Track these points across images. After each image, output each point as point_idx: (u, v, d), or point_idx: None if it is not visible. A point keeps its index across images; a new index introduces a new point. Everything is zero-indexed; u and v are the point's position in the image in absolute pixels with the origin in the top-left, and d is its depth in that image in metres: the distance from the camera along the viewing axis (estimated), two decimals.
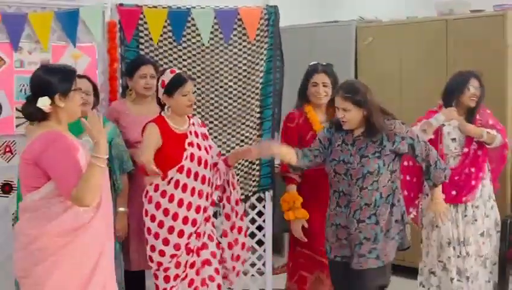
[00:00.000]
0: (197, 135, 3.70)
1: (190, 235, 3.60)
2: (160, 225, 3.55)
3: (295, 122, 4.10)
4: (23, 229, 2.84)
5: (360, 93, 3.40)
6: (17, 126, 4.26)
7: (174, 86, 3.58)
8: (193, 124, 3.73)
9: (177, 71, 3.70)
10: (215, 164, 3.74)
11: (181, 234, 3.56)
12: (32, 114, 2.83)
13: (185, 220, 3.57)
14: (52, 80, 2.82)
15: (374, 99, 3.45)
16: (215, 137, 4.57)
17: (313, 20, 6.13)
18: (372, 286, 3.46)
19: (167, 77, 3.61)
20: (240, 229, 3.84)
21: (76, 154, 2.79)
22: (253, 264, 4.84)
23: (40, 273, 2.78)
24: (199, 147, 3.68)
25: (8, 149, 4.31)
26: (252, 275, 4.83)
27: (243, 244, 3.83)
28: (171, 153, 3.61)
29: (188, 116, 3.74)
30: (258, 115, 4.70)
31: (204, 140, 3.73)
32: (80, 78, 3.85)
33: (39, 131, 2.83)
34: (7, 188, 4.30)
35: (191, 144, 3.64)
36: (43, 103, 2.77)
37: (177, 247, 3.56)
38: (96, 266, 2.83)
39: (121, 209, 3.95)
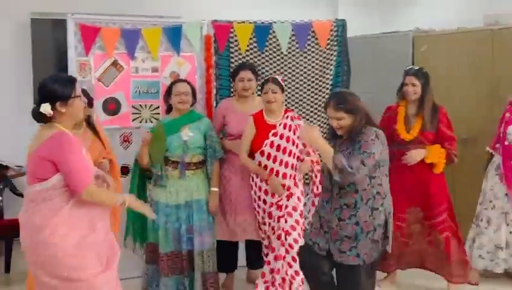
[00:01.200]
0: (285, 127, 4.17)
1: (271, 205, 4.17)
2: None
3: (388, 114, 4.53)
4: (29, 218, 2.89)
5: (349, 102, 3.36)
6: (132, 120, 4.71)
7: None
8: (287, 117, 4.21)
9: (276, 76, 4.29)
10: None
11: (265, 202, 4.20)
12: (38, 116, 2.92)
13: (266, 193, 4.18)
14: (54, 89, 2.90)
15: (362, 106, 3.39)
16: None
17: (375, 31, 6.21)
18: (360, 282, 3.35)
19: None
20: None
21: (82, 153, 2.92)
22: None
23: (45, 258, 2.84)
24: (282, 137, 4.15)
25: (125, 139, 4.73)
26: None
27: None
28: (258, 140, 4.20)
29: (286, 111, 4.24)
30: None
31: (294, 133, 4.16)
32: (181, 82, 4.28)
33: (49, 131, 2.89)
34: (125, 170, 4.65)
35: (274, 134, 4.17)
36: (45, 108, 2.88)
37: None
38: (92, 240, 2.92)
39: (214, 189, 4.23)
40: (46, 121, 2.92)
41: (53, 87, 2.91)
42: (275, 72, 4.95)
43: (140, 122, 4.79)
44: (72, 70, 4.58)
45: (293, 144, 4.18)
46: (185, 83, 4.31)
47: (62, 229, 2.82)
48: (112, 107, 4.72)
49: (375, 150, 3.28)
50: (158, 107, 4.80)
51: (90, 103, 4.09)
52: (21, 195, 4.84)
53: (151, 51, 4.73)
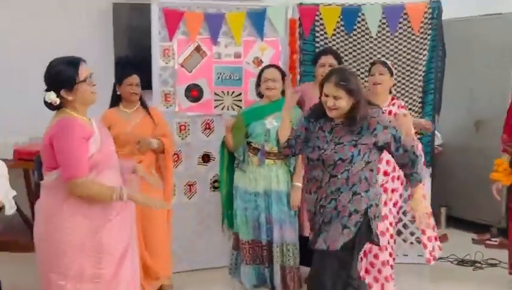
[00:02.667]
0: (390, 114, 3.93)
1: None
2: None
3: None
4: (42, 205, 2.84)
5: (352, 82, 3.07)
6: (215, 107, 4.61)
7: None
8: (393, 104, 4.00)
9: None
10: None
11: None
12: (47, 105, 2.79)
13: None
14: (56, 77, 2.73)
15: (362, 90, 3.15)
16: None
17: (470, 13, 5.79)
18: (326, 269, 3.13)
19: None
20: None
21: (84, 144, 2.71)
22: (412, 233, 4.96)
23: (56, 249, 2.75)
24: None
25: (207, 126, 4.65)
26: (411, 242, 4.94)
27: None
28: None
29: (392, 98, 4.04)
30: (419, 100, 4.70)
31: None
32: (269, 67, 4.14)
33: (56, 117, 2.78)
34: (206, 158, 4.66)
35: None
36: (49, 97, 2.74)
37: None
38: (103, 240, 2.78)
39: (297, 184, 4.06)
40: (58, 108, 2.78)
41: (56, 75, 2.74)
42: (363, 56, 4.74)
43: (222, 109, 4.68)
44: (156, 55, 4.55)
45: None
46: (273, 68, 4.17)
47: (72, 219, 2.73)
48: (194, 93, 4.64)
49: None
50: (240, 94, 4.69)
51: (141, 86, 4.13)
52: None
53: (234, 35, 4.62)
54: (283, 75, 4.15)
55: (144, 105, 4.13)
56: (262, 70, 4.19)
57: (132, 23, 5.72)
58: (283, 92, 4.06)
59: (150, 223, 3.99)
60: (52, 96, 2.72)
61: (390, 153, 3.13)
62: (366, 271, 4.04)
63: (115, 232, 2.80)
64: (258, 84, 4.21)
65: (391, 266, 4.02)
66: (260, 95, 4.23)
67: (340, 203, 3.10)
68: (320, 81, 3.19)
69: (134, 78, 4.06)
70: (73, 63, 2.77)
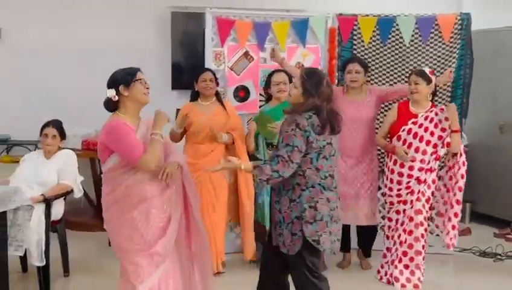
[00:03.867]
0: (426, 119, 3.96)
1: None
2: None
3: None
4: (103, 191, 3.00)
5: (315, 78, 2.92)
6: (259, 107, 4.57)
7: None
8: (431, 111, 3.98)
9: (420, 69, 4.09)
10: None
11: (399, 183, 4.06)
12: (106, 103, 2.92)
13: (401, 175, 4.03)
14: (117, 76, 2.91)
15: (326, 94, 2.92)
16: None
17: (499, 24, 5.64)
18: (297, 271, 2.99)
19: None
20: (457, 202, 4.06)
21: (132, 134, 2.83)
22: (437, 226, 4.70)
23: (112, 228, 2.93)
24: (420, 126, 3.96)
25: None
26: (437, 234, 4.78)
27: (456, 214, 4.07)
28: (397, 126, 4.05)
29: (432, 105, 4.03)
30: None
31: (435, 127, 3.94)
32: (278, 72, 4.18)
33: (109, 119, 2.91)
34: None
35: (414, 123, 3.98)
36: (110, 93, 2.89)
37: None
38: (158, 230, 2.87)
39: None
40: (114, 108, 2.91)
41: (117, 75, 2.92)
42: (396, 63, 4.68)
43: None
44: (208, 59, 4.61)
45: (432, 135, 3.99)
46: (282, 73, 4.21)
47: (112, 208, 2.90)
48: (241, 94, 4.69)
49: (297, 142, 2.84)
50: None
51: (217, 82, 4.25)
52: None
53: (279, 42, 4.65)
54: (290, 79, 4.15)
55: (219, 99, 4.23)
56: (271, 75, 4.22)
57: (188, 30, 5.80)
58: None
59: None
60: (112, 92, 2.87)
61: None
62: (399, 260, 4.02)
63: (139, 223, 2.91)
64: (266, 87, 4.25)
65: (423, 257, 4.01)
66: (268, 97, 4.27)
67: (282, 207, 2.96)
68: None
69: (208, 75, 4.19)
70: (132, 69, 2.96)
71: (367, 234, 4.40)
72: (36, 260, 3.77)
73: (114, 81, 2.90)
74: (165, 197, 2.93)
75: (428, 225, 4.19)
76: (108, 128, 2.84)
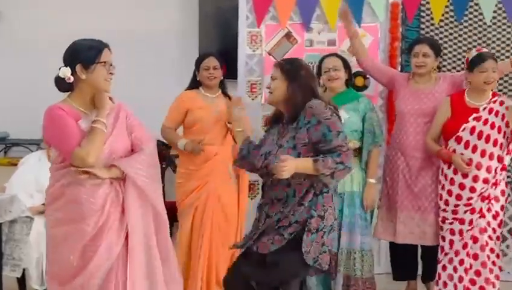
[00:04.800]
0: (491, 112, 3.76)
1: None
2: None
3: None
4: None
5: (293, 64, 3.02)
6: None
7: (474, 63, 3.73)
8: (495, 101, 3.79)
9: (483, 50, 3.83)
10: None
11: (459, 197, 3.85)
12: (58, 83, 2.75)
13: (462, 187, 3.80)
14: (76, 51, 2.73)
15: (308, 79, 2.99)
16: None
17: None
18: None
19: (471, 55, 3.79)
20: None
21: (70, 123, 2.70)
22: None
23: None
24: (485, 123, 3.75)
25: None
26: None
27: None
28: (453, 125, 3.81)
29: (494, 94, 3.83)
30: None
31: (502, 120, 3.75)
32: (329, 56, 4.04)
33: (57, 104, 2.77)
34: None
35: (476, 119, 3.76)
36: (64, 72, 2.71)
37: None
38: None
39: (371, 180, 3.98)
40: (67, 89, 2.76)
41: (76, 50, 2.73)
42: (475, 46, 4.50)
43: None
44: (242, 42, 4.60)
45: (499, 132, 3.78)
46: (334, 56, 4.09)
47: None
48: None
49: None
50: None
51: (223, 70, 4.12)
52: None
53: (328, 21, 4.59)
54: (345, 63, 4.04)
55: (224, 92, 4.14)
56: (321, 60, 4.10)
57: (218, 8, 5.77)
58: (347, 82, 4.03)
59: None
60: (66, 72, 2.69)
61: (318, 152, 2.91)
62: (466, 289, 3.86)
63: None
64: (318, 75, 4.09)
65: (493, 285, 3.82)
66: (325, 87, 4.11)
67: (283, 214, 2.93)
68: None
69: (211, 61, 4.04)
70: (99, 44, 2.78)
71: (435, 255, 4.18)
72: (36, 283, 3.78)
73: (72, 57, 2.73)
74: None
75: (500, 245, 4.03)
76: (44, 116, 2.73)
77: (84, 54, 2.71)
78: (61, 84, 2.73)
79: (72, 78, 2.71)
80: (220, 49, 5.66)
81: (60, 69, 2.71)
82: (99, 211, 2.66)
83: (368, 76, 4.48)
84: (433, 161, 4.09)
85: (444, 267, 3.91)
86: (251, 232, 3.08)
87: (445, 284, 3.90)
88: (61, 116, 2.69)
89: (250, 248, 2.98)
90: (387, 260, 4.58)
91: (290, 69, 2.99)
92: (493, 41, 4.53)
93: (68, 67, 2.70)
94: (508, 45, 4.51)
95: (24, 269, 3.74)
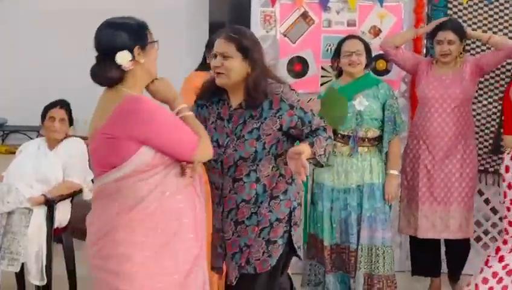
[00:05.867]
0: None
1: None
2: None
3: None
4: (108, 210, 2.59)
5: (249, 39, 2.75)
6: (321, 84, 4.54)
7: None
8: None
9: None
10: None
11: None
12: (105, 73, 2.40)
13: None
14: (130, 30, 2.43)
15: (264, 58, 2.82)
16: None
17: None
18: None
19: None
20: None
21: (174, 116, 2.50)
22: None
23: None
24: None
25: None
26: None
27: None
28: None
29: None
30: None
31: None
32: (351, 38, 4.03)
33: (115, 101, 2.39)
34: None
35: None
36: (123, 57, 2.38)
37: None
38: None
39: (393, 172, 3.96)
40: (114, 82, 2.43)
41: (128, 28, 2.44)
42: (506, 28, 4.49)
43: None
44: (255, 22, 4.59)
45: None
46: (356, 39, 4.07)
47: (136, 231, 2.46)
48: (298, 67, 4.65)
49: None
50: None
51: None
52: None
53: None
54: (367, 47, 4.02)
55: None
56: (341, 42, 4.07)
57: None
58: (367, 66, 4.03)
59: None
60: (127, 57, 2.39)
61: (299, 139, 2.83)
62: None
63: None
64: (335, 59, 4.09)
65: None
66: (339, 71, 4.11)
67: (261, 214, 2.81)
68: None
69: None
70: (140, 21, 2.52)
71: (459, 251, 4.27)
72: (35, 278, 3.76)
73: (127, 39, 2.41)
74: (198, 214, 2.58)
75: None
76: (144, 114, 2.36)
77: (139, 33, 2.45)
78: (112, 75, 2.40)
79: (131, 65, 2.41)
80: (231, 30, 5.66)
81: (116, 54, 2.37)
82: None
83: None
84: (458, 149, 4.09)
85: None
86: (221, 248, 2.90)
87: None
88: (165, 109, 2.45)
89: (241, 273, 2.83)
90: (401, 257, 4.62)
91: (249, 45, 2.74)
92: None
93: (127, 51, 2.39)
94: None
95: (23, 264, 3.71)
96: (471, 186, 4.20)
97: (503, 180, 3.76)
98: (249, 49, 2.74)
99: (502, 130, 3.94)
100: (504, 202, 3.77)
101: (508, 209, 3.72)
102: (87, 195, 4.10)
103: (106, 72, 2.41)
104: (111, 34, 2.42)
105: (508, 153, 3.72)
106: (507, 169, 3.71)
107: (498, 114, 4.45)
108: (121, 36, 2.41)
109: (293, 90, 2.82)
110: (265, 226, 2.82)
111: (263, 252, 2.81)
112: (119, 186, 2.40)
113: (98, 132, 2.41)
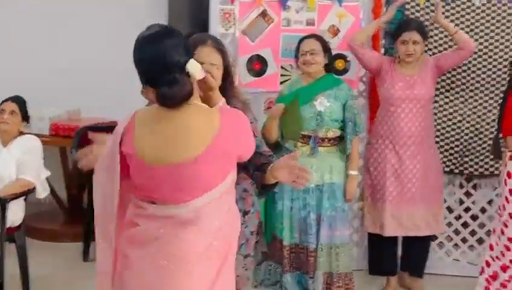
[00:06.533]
0: None
1: None
2: None
3: None
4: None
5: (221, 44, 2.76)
6: (281, 83, 4.58)
7: None
8: None
9: None
10: None
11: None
12: (186, 92, 2.18)
13: None
14: (179, 38, 2.24)
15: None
16: (480, 104, 4.57)
17: None
18: None
19: None
20: None
21: None
22: None
23: None
24: None
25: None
26: None
27: None
28: None
29: None
30: None
31: None
32: (307, 38, 4.09)
33: (202, 113, 2.24)
34: None
35: None
36: (195, 66, 2.20)
37: None
38: None
39: (353, 172, 4.02)
40: (189, 95, 2.21)
41: (176, 34, 2.26)
42: (462, 29, 4.54)
43: None
44: (214, 20, 4.57)
45: None
46: (312, 39, 4.11)
47: None
48: (257, 66, 4.66)
49: None
50: None
51: None
52: None
53: None
54: (325, 47, 4.07)
55: None
56: (300, 42, 4.13)
57: None
58: (327, 67, 4.05)
59: None
60: (196, 64, 2.21)
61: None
62: None
63: None
64: (295, 58, 4.16)
65: None
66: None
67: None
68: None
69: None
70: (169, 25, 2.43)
71: (421, 247, 4.39)
72: None
73: (186, 51, 2.24)
74: None
75: None
76: (246, 126, 2.30)
77: (183, 36, 2.29)
78: (187, 87, 2.18)
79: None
80: (190, 27, 5.65)
81: (187, 64, 2.17)
82: None
83: (348, 59, 4.53)
84: (423, 148, 4.21)
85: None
86: None
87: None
88: None
89: None
90: (358, 255, 4.69)
91: (228, 58, 2.72)
92: (482, 24, 4.56)
93: (193, 60, 2.21)
94: (498, 27, 4.55)
95: None
96: (438, 185, 4.32)
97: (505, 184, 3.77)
98: (229, 61, 2.75)
99: (500, 134, 3.95)
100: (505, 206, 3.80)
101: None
102: (42, 193, 4.10)
103: (186, 87, 2.19)
104: (174, 45, 2.20)
105: None
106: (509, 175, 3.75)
107: (472, 116, 4.60)
108: (180, 45, 2.22)
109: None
110: (242, 242, 2.85)
111: (241, 268, 2.86)
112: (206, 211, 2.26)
113: (203, 152, 2.18)
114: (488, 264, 3.87)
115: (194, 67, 2.19)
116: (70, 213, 5.46)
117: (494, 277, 3.83)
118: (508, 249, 3.74)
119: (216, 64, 2.67)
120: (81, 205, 5.33)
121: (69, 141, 4.93)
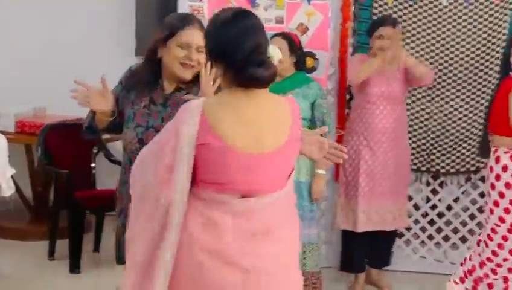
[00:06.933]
0: None
1: None
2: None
3: None
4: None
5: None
6: None
7: None
8: None
9: None
10: None
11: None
12: (270, 72, 2.13)
13: None
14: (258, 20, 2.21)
15: None
16: (447, 103, 4.67)
17: None
18: None
19: None
20: None
21: None
22: None
23: None
24: None
25: None
26: None
27: None
28: None
29: None
30: (496, 82, 4.58)
31: None
32: (276, 36, 4.02)
33: (272, 100, 2.22)
34: None
35: None
36: (275, 50, 2.35)
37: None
38: None
39: (321, 171, 3.99)
40: (272, 81, 2.17)
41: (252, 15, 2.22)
42: (429, 28, 4.66)
43: None
44: None
45: None
46: (278, 38, 4.06)
47: None
48: None
49: None
50: None
51: None
52: (117, 163, 4.78)
53: None
54: (291, 45, 4.01)
55: None
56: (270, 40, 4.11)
57: None
58: (298, 64, 4.03)
59: None
60: (277, 51, 2.29)
61: None
62: None
63: None
64: None
65: None
66: None
67: None
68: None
69: None
70: None
71: (387, 241, 4.48)
72: None
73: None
74: None
75: None
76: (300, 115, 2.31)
77: None
78: (271, 68, 2.14)
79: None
80: (158, 23, 5.64)
81: (269, 48, 2.15)
82: None
83: (317, 57, 4.57)
84: (396, 144, 4.29)
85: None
86: None
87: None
88: None
89: None
90: (328, 253, 4.75)
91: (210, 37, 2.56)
92: (449, 23, 4.64)
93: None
94: (464, 27, 4.64)
95: None
96: (407, 181, 4.44)
97: (497, 179, 3.72)
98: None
99: (487, 132, 3.97)
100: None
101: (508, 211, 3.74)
102: (7, 191, 4.08)
103: (273, 69, 2.14)
104: (261, 26, 2.17)
105: (506, 153, 3.68)
106: (504, 168, 3.69)
107: (458, 115, 4.68)
108: (263, 27, 2.19)
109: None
110: None
111: None
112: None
113: (287, 142, 2.18)
114: (470, 258, 3.92)
115: (274, 51, 2.22)
116: (35, 211, 5.43)
117: (471, 271, 3.88)
118: (495, 254, 3.75)
119: (202, 49, 2.53)
120: (47, 203, 5.31)
121: (34, 138, 4.92)
